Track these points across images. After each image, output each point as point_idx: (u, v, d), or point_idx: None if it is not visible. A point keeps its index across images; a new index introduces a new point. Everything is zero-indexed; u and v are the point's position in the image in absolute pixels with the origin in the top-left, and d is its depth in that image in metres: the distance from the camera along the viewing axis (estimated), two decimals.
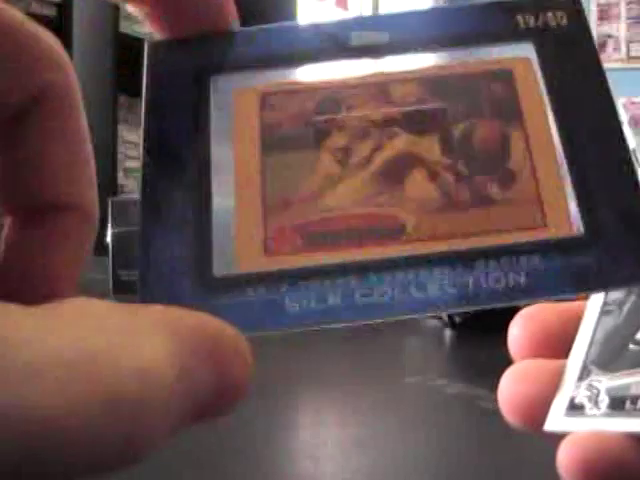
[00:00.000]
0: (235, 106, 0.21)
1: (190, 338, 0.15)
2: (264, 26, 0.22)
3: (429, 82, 0.21)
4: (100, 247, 0.90)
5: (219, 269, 0.19)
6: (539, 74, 0.21)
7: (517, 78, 0.21)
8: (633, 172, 0.19)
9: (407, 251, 0.19)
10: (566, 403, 0.24)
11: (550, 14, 0.21)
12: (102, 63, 2.35)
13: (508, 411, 0.25)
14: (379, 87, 0.21)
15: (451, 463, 0.40)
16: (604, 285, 0.19)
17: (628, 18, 4.14)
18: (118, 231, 0.89)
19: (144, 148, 0.20)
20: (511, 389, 0.25)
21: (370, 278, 0.18)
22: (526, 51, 0.21)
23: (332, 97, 0.21)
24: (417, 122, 0.20)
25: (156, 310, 0.16)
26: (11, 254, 0.20)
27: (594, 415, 0.23)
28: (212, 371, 0.15)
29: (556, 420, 0.24)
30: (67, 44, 2.22)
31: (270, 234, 0.19)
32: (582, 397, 0.24)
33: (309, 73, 0.21)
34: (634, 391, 0.23)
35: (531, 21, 0.21)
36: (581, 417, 0.23)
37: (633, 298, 0.25)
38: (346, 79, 0.21)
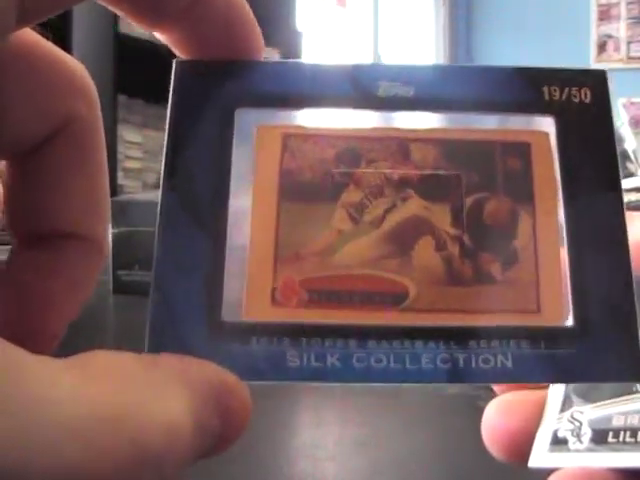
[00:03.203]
0: (257, 145, 0.21)
1: (203, 390, 0.16)
2: (291, 61, 0.22)
3: (448, 146, 0.21)
4: None
5: (227, 315, 0.19)
6: (556, 150, 0.21)
7: (534, 153, 0.21)
8: (630, 271, 0.20)
9: (406, 321, 0.19)
10: (549, 437, 0.24)
11: (575, 89, 0.21)
12: (102, 63, 2.34)
13: (492, 446, 0.25)
14: (400, 144, 0.21)
15: (451, 463, 0.40)
16: (586, 379, 0.20)
17: (628, 18, 4.15)
18: (118, 231, 0.89)
19: (163, 181, 0.20)
20: (495, 424, 0.25)
21: (368, 344, 0.19)
22: (547, 125, 0.21)
23: (353, 149, 0.21)
24: (431, 187, 0.21)
25: (173, 362, 0.17)
26: (14, 274, 0.20)
27: (578, 450, 0.23)
28: (218, 418, 0.16)
29: (540, 456, 0.24)
30: (67, 44, 2.22)
31: (279, 286, 0.20)
32: (565, 430, 0.24)
33: (333, 118, 0.21)
34: (615, 423, 0.23)
35: (556, 94, 0.21)
36: (565, 452, 0.23)
37: None
38: (369, 131, 0.21)
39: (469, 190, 0.21)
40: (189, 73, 0.21)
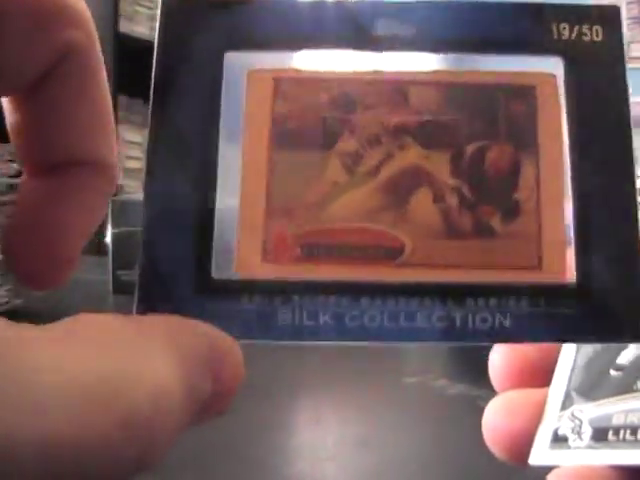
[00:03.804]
0: (247, 90, 0.20)
1: (193, 352, 0.16)
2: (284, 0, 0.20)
3: (449, 89, 0.20)
4: (100, 247, 0.90)
5: (218, 272, 0.19)
6: (562, 94, 0.20)
7: (539, 97, 0.20)
8: (636, 225, 0.19)
9: (401, 277, 0.19)
10: (550, 435, 0.24)
11: (586, 26, 0.20)
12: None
13: (493, 445, 0.25)
14: (397, 88, 0.20)
15: (451, 463, 0.40)
16: (586, 339, 0.19)
17: (628, 18, 4.14)
18: (118, 231, 0.89)
19: (150, 125, 0.19)
20: (495, 423, 0.25)
21: (362, 301, 0.18)
22: (554, 66, 0.20)
23: (348, 93, 0.20)
24: (431, 134, 0.20)
25: (161, 324, 0.16)
26: (25, 203, 0.20)
27: (578, 447, 0.23)
28: (210, 380, 0.16)
29: (541, 454, 0.24)
30: None
31: (270, 240, 0.19)
32: (565, 428, 0.24)
33: (328, 59, 0.20)
34: (616, 421, 0.23)
35: (565, 32, 0.20)
36: (565, 450, 0.23)
37: None
38: (365, 73, 0.20)
39: (470, 137, 0.20)
40: (177, 13, 0.20)
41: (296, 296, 0.18)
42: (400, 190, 0.20)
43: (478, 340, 0.19)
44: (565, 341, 0.21)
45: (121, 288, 0.90)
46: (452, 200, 0.19)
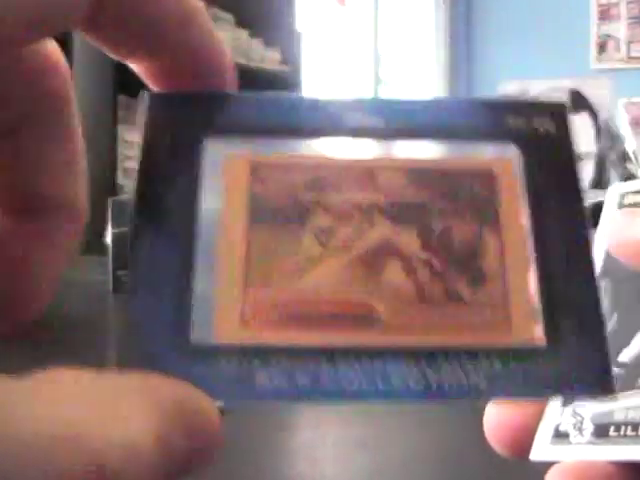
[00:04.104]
0: (226, 172, 0.21)
1: (169, 409, 0.16)
2: (262, 94, 0.22)
3: (415, 174, 0.22)
4: (100, 247, 0.90)
5: (196, 337, 0.19)
6: (519, 177, 0.22)
7: (499, 179, 0.22)
8: (597, 288, 0.20)
9: (377, 342, 0.20)
10: (551, 431, 0.24)
11: (539, 120, 0.22)
12: (102, 63, 2.35)
13: (495, 441, 0.25)
14: (367, 172, 0.22)
15: (451, 463, 0.40)
16: (561, 395, 0.21)
17: (628, 18, 4.15)
18: (118, 231, 0.88)
19: (134, 206, 0.21)
20: (497, 419, 0.25)
21: (339, 365, 0.19)
22: (511, 152, 0.22)
23: (322, 176, 0.22)
24: (400, 213, 0.21)
25: (137, 380, 0.16)
26: None
27: (579, 443, 0.23)
28: (185, 438, 0.16)
29: (542, 449, 0.24)
30: (67, 44, 2.22)
31: (248, 308, 0.20)
32: (567, 424, 0.24)
33: (302, 148, 0.22)
34: (617, 417, 0.23)
35: (520, 123, 0.22)
36: (566, 445, 0.23)
37: (614, 320, 0.25)
38: (337, 160, 0.22)
39: (436, 216, 0.21)
40: (160, 106, 0.22)
41: (274, 360, 0.19)
42: (372, 263, 0.21)
43: (454, 398, 0.19)
44: (539, 398, 0.22)
45: (120, 288, 0.90)
46: (423, 271, 0.21)
